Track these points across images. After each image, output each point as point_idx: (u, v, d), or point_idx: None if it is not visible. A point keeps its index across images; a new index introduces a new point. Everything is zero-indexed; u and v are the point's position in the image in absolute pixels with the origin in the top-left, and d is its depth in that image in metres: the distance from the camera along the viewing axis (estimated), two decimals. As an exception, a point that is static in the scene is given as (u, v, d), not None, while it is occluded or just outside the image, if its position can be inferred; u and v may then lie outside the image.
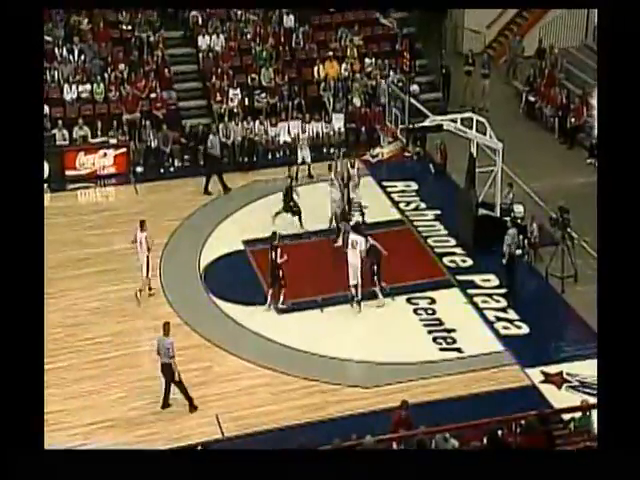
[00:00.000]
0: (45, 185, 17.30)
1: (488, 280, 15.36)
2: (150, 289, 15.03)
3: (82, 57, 20.31)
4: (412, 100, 17.85)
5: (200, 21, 21.52)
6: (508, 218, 15.21)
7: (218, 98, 20.30)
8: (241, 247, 16.45)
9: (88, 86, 19.89)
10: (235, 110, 20.04)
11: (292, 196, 16.75)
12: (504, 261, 14.85)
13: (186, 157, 19.61)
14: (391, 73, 21.01)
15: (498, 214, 16.21)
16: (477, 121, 16.17)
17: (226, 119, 19.78)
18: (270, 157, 19.89)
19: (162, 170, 19.20)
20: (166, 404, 12.58)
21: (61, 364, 13.36)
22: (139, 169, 19.22)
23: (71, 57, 20.27)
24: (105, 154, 18.93)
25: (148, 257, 14.83)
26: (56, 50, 20.23)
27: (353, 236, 14.66)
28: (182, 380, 12.46)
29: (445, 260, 16.05)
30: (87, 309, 14.71)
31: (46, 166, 17.39)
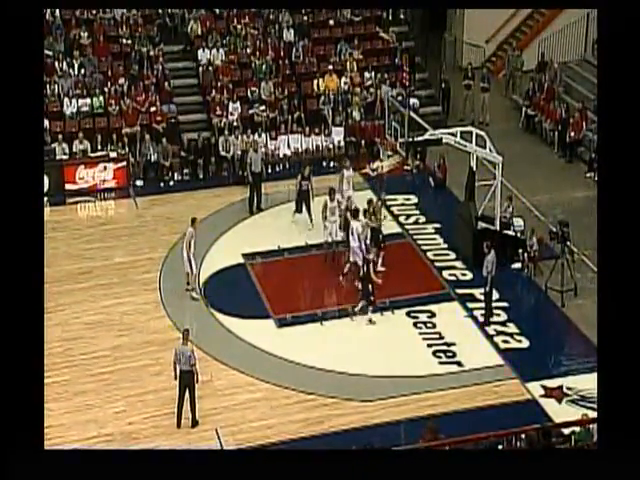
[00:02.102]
0: (45, 199, 17.33)
1: (488, 294, 15.34)
2: (188, 284, 15.23)
3: (82, 71, 20.39)
4: (412, 114, 17.92)
5: (200, 34, 21.63)
6: (486, 243, 14.67)
7: (218, 112, 20.37)
8: (241, 260, 16.44)
9: (88, 100, 19.94)
10: (235, 124, 20.11)
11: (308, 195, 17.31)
12: (487, 288, 14.42)
13: (186, 171, 19.63)
14: (390, 87, 21.10)
15: (498, 228, 16.23)
16: (477, 135, 16.21)
17: (226, 133, 19.85)
18: (270, 170, 19.92)
19: (162, 184, 19.22)
20: (180, 418, 12.43)
21: (60, 378, 13.33)
22: (139, 183, 19.24)
23: (71, 71, 20.35)
24: (105, 168, 18.94)
25: (188, 253, 14.99)
26: (56, 64, 20.31)
27: (353, 223, 15.53)
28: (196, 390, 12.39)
29: (445, 273, 16.04)
30: (86, 323, 14.68)
31: (46, 180, 17.43)
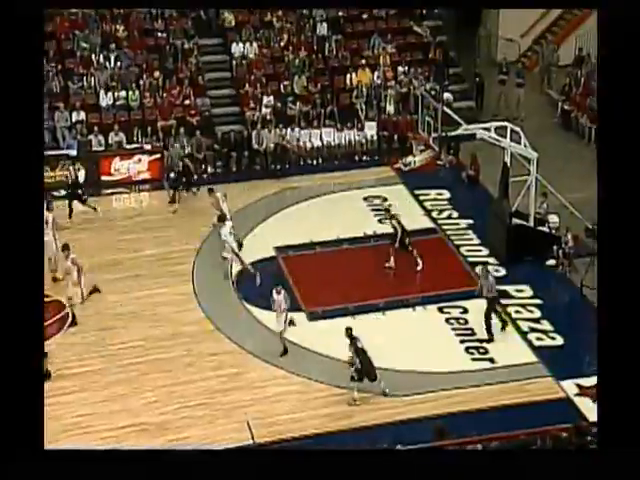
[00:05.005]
0: (81, 190, 17.57)
1: (522, 290, 15.19)
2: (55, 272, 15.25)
3: (118, 64, 20.60)
4: (445, 108, 17.79)
5: (234, 27, 21.69)
6: (483, 267, 14.38)
7: (251, 105, 20.43)
8: (273, 253, 16.48)
9: (124, 93, 20.16)
10: (268, 117, 20.15)
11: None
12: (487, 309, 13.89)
13: (219, 164, 19.75)
14: (424, 81, 20.99)
15: (532, 224, 16.05)
16: (511, 130, 16.04)
17: (259, 126, 19.90)
18: (302, 164, 19.94)
19: (195, 176, 19.34)
20: None
21: (93, 367, 13.47)
22: (173, 175, 19.40)
23: (107, 64, 20.58)
24: (139, 160, 19.13)
25: (55, 236, 15.20)
26: (93, 57, 20.56)
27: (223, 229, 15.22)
28: None
29: (478, 269, 15.89)
30: (119, 313, 14.79)
31: (82, 171, 17.68)
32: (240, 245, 15.78)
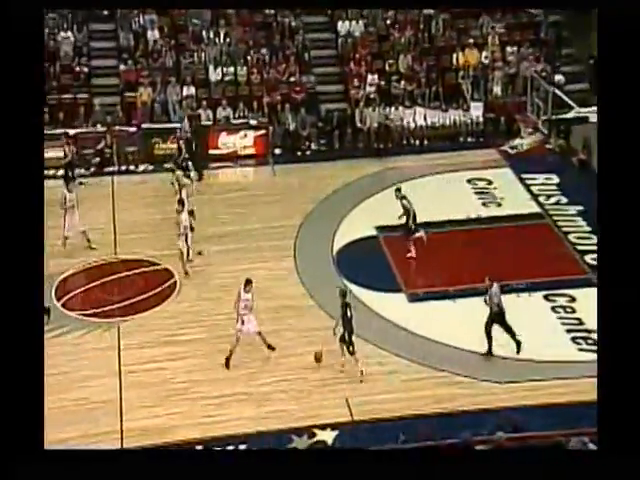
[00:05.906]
0: (190, 163, 17.98)
1: (634, 281, 14.59)
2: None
3: (227, 40, 20.92)
4: (556, 91, 17.23)
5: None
6: (487, 277, 13.10)
7: (355, 83, 20.36)
8: (374, 233, 16.42)
9: (232, 68, 20.47)
10: (372, 96, 20.04)
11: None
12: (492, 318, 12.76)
13: (322, 141, 19.82)
14: (534, 62, 20.37)
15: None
16: (628, 114, 15.36)
17: (362, 104, 19.82)
18: (405, 144, 19.76)
19: (299, 153, 19.48)
20: None
21: (195, 336, 13.79)
22: (277, 151, 19.60)
23: (217, 40, 20.93)
24: (245, 135, 19.41)
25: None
26: (203, 33, 20.96)
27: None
28: None
29: (587, 258, 15.38)
30: (221, 285, 15.06)
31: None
32: (192, 229, 15.47)
